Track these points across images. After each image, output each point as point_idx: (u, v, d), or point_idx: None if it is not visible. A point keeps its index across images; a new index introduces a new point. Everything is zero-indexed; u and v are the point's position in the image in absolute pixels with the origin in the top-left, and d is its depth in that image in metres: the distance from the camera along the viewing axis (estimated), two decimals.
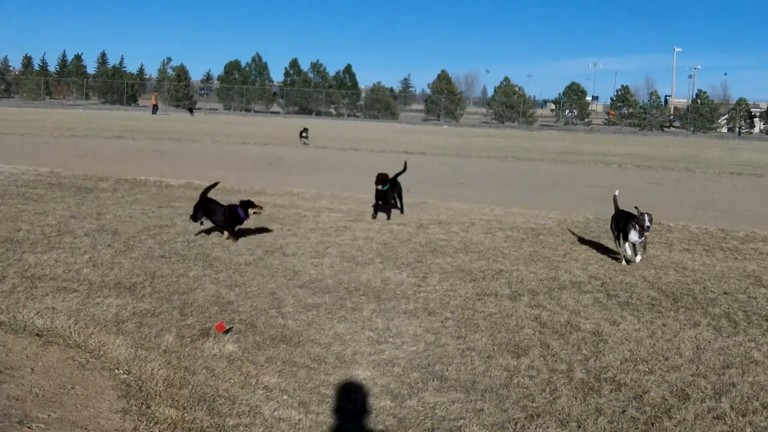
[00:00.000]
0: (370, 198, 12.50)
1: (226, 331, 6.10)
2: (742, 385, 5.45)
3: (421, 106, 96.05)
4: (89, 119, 46.12)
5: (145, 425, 4.45)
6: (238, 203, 9.82)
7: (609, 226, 10.12)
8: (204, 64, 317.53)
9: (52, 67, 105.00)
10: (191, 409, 4.70)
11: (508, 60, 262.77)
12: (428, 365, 5.65)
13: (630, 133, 69.97)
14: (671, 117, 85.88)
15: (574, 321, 6.87)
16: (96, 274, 7.71)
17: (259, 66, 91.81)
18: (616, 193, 10.52)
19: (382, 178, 12.05)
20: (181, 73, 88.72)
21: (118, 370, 5.30)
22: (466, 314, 6.97)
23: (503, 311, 7.11)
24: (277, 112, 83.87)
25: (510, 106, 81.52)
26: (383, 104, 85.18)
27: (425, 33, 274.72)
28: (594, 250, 10.19)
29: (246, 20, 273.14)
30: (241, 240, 9.74)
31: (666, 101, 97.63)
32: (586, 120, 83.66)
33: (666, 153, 37.06)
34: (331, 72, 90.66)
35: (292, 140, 32.83)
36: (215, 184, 10.46)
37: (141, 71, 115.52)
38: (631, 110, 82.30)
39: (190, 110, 68.19)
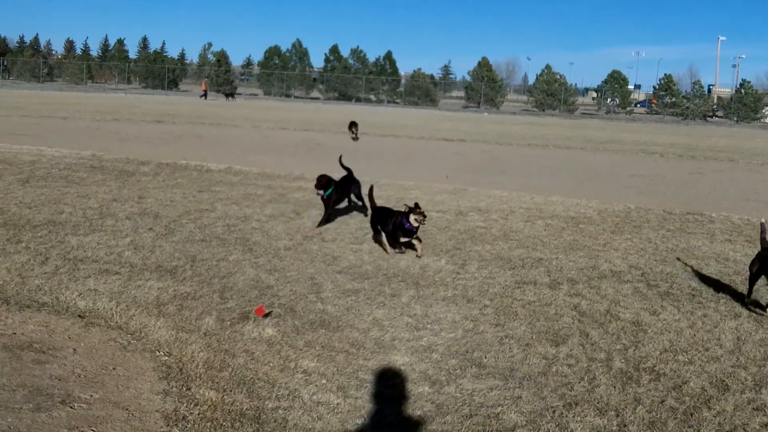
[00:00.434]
0: (410, 184, 12.42)
1: (266, 315, 6.15)
2: None
3: (461, 94, 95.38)
4: (130, 104, 46.63)
5: (186, 407, 4.50)
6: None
7: (749, 266, 7.51)
8: (244, 49, 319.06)
9: (95, 52, 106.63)
10: (231, 391, 4.74)
11: (550, 47, 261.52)
12: (466, 352, 5.64)
13: (672, 123, 68.96)
14: (714, 107, 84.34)
15: (614, 310, 6.82)
16: (137, 257, 7.81)
17: (300, 52, 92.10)
18: (763, 221, 7.70)
19: (323, 182, 9.90)
20: (222, 59, 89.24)
21: (159, 351, 5.37)
22: (505, 302, 6.94)
23: (542, 299, 7.08)
24: (317, 98, 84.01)
25: (551, 93, 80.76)
26: (423, 91, 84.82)
27: (466, 20, 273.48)
28: (634, 240, 10.08)
29: (287, 6, 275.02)
30: (281, 225, 9.79)
31: (709, 91, 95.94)
32: (628, 109, 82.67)
33: (708, 143, 36.45)
34: (372, 58, 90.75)
35: (331, 126, 32.87)
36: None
37: (182, 56, 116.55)
38: (673, 99, 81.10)
39: (229, 95, 68.47)
